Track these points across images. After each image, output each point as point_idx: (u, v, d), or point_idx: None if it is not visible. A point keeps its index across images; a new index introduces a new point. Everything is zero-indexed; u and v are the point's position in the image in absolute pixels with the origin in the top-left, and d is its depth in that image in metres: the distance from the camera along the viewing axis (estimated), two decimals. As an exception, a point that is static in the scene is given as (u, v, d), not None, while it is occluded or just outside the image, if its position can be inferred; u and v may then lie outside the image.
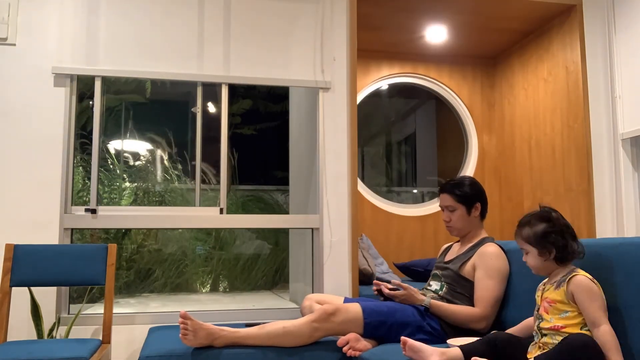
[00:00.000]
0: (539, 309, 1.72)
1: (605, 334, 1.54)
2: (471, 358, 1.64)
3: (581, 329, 1.60)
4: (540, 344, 1.67)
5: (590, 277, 1.62)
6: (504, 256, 2.34)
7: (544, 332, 1.67)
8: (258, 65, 3.15)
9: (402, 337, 1.83)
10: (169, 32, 3.06)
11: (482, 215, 2.50)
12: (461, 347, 1.75)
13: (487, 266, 2.31)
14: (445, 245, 2.70)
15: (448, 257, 2.53)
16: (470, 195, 2.46)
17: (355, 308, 2.27)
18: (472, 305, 2.32)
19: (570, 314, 1.61)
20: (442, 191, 2.52)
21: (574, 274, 1.63)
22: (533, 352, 1.68)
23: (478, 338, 2.09)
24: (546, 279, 1.77)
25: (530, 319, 1.84)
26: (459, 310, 2.29)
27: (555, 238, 1.68)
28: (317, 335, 2.25)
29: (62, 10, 2.95)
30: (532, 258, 1.73)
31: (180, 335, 2.16)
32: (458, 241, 2.58)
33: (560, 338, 1.60)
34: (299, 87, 3.38)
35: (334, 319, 2.23)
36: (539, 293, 1.76)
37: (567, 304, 1.62)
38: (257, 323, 2.37)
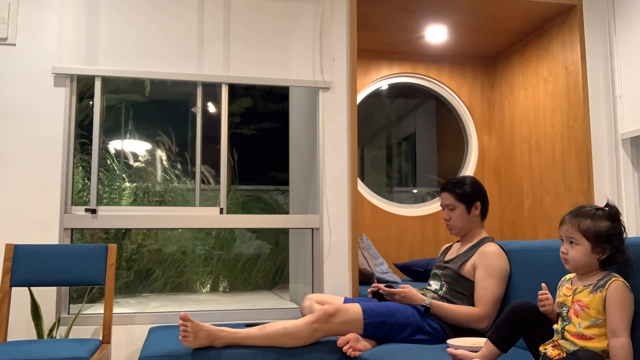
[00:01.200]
0: (568, 311, 1.62)
1: (622, 347, 1.47)
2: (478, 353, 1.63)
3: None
4: (557, 343, 1.64)
5: (627, 284, 1.55)
6: (505, 256, 2.34)
7: (567, 336, 1.60)
8: (258, 65, 3.15)
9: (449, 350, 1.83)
10: (169, 32, 3.06)
11: (483, 214, 2.51)
12: (488, 336, 1.74)
13: (488, 265, 2.31)
14: (446, 246, 2.70)
15: (448, 257, 2.53)
16: (470, 194, 2.47)
17: (355, 308, 2.27)
18: (472, 304, 2.32)
19: (602, 322, 1.53)
20: (442, 190, 2.53)
21: (613, 279, 1.55)
22: (548, 346, 1.66)
23: (478, 338, 2.10)
24: (571, 278, 1.69)
25: None
26: (460, 310, 2.29)
27: (617, 241, 1.58)
28: (317, 336, 2.25)
29: (62, 10, 2.95)
30: (579, 252, 1.61)
31: (180, 337, 2.16)
32: (458, 241, 2.58)
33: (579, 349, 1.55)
34: (299, 87, 3.38)
35: (334, 320, 2.23)
36: (566, 292, 1.66)
37: (601, 312, 1.53)
38: (257, 323, 2.37)
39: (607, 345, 1.51)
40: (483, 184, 2.56)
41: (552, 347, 1.63)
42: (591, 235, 1.59)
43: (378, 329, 2.26)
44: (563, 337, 1.61)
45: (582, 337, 1.55)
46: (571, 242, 1.63)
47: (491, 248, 2.35)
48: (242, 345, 2.22)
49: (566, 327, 1.61)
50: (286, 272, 6.44)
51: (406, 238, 4.23)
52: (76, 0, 2.97)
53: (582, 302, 1.58)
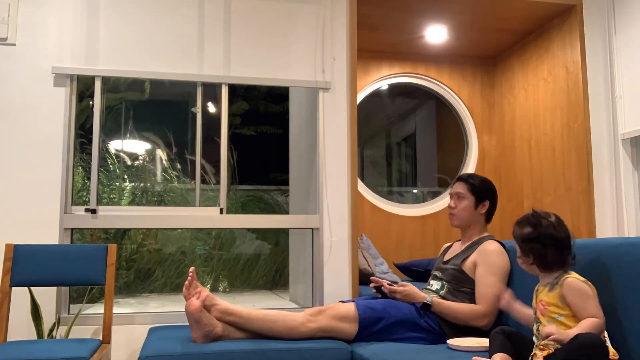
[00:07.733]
0: (535, 312, 1.72)
1: (591, 320, 1.54)
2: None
3: None
4: (541, 346, 1.67)
5: (582, 278, 1.62)
6: (506, 254, 2.34)
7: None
8: (258, 66, 3.15)
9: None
10: (169, 32, 3.06)
11: (488, 215, 2.52)
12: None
13: (489, 263, 2.31)
14: (446, 245, 2.70)
15: (448, 256, 2.53)
16: (482, 190, 2.50)
17: (349, 305, 2.32)
18: (474, 302, 2.32)
19: (565, 317, 1.61)
20: (457, 180, 2.57)
21: (566, 276, 1.64)
22: (537, 353, 1.67)
23: (478, 339, 2.10)
24: (540, 280, 1.77)
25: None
26: (461, 307, 2.29)
27: (534, 246, 1.68)
28: (310, 327, 2.26)
29: (62, 10, 2.95)
30: (518, 257, 1.76)
31: (183, 290, 2.25)
32: (459, 240, 2.59)
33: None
34: (299, 87, 3.38)
35: (327, 312, 2.30)
36: (534, 295, 1.75)
37: (560, 306, 1.62)
38: None
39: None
40: (483, 184, 2.57)
41: (540, 350, 1.65)
42: (518, 241, 1.74)
43: (374, 324, 2.27)
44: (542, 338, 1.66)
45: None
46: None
47: (492, 246, 2.35)
48: (234, 321, 2.26)
49: (539, 328, 1.68)
50: (286, 272, 6.44)
51: (406, 238, 4.23)
52: (76, 0, 2.97)
53: (543, 302, 1.67)
